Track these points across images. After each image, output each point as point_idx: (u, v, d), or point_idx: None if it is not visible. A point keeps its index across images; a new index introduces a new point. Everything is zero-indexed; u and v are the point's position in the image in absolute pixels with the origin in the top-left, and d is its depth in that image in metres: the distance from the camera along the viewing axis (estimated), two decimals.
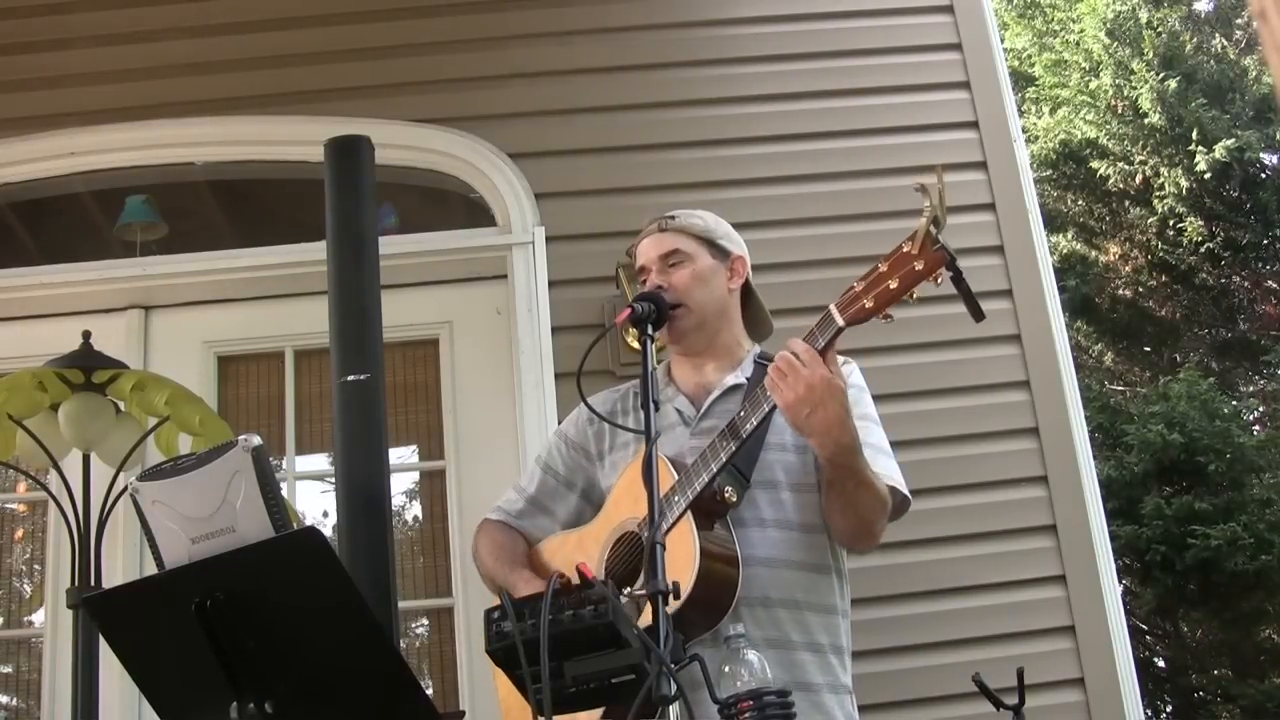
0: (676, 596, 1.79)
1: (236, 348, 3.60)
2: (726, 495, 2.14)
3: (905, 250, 1.94)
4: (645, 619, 1.90)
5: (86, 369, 3.00)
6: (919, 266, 1.93)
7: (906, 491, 2.24)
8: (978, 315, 1.96)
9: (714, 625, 2.09)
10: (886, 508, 2.18)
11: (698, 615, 2.05)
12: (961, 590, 3.23)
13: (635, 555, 2.19)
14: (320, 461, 3.69)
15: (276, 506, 1.71)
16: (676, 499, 2.11)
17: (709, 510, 2.14)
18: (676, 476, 2.14)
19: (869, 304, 1.98)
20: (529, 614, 1.74)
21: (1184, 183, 9.74)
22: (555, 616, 1.71)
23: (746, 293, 2.43)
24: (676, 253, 2.34)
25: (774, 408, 2.08)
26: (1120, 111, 10.18)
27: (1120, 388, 10.51)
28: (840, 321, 2.02)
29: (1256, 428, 9.81)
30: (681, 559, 2.03)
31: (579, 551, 2.28)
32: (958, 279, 1.93)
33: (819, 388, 2.00)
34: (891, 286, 1.95)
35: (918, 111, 3.70)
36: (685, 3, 3.83)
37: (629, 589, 2.12)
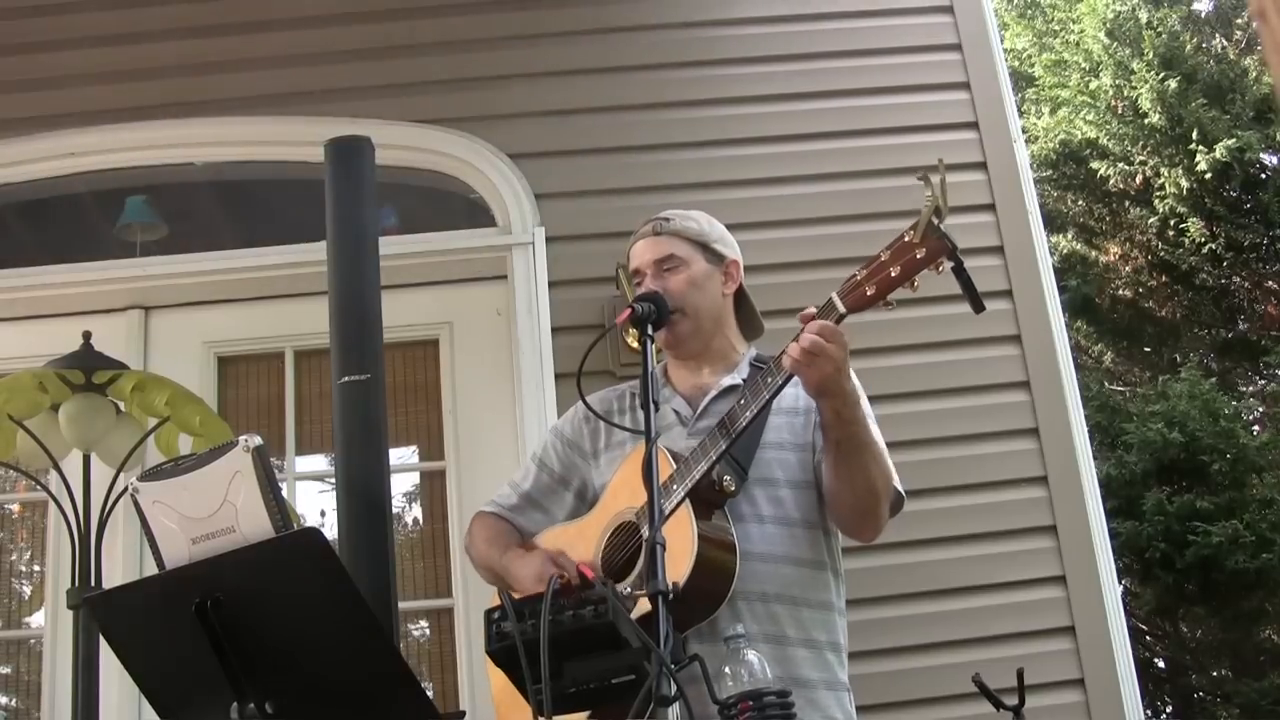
0: (676, 597, 1.79)
1: (236, 348, 3.60)
2: (725, 485, 2.15)
3: (907, 239, 1.96)
4: (642, 607, 1.90)
5: (87, 369, 3.00)
6: (920, 254, 1.94)
7: (901, 489, 2.25)
8: (978, 307, 1.96)
9: (712, 613, 2.09)
10: (890, 480, 2.19)
11: (695, 603, 2.05)
12: (961, 590, 3.23)
13: (632, 544, 2.20)
14: (320, 462, 3.69)
15: (277, 507, 1.71)
16: (675, 487, 2.12)
17: (707, 500, 2.14)
18: (675, 466, 2.15)
19: (870, 291, 2.00)
20: (529, 614, 1.74)
21: (1184, 183, 9.73)
22: (555, 617, 1.71)
23: (740, 294, 2.43)
24: (671, 258, 2.34)
25: (773, 397, 2.10)
26: (1120, 112, 10.18)
27: (1120, 388, 10.51)
28: (841, 308, 2.04)
29: (1256, 428, 9.81)
30: (679, 546, 2.03)
31: (577, 541, 2.29)
32: (959, 269, 1.94)
33: (843, 360, 2.04)
34: (893, 274, 1.97)
35: (918, 112, 3.70)
36: (685, 3, 3.83)
37: (626, 580, 2.13)
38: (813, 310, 2.07)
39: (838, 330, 2.03)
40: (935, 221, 1.92)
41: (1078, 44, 10.63)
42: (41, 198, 3.76)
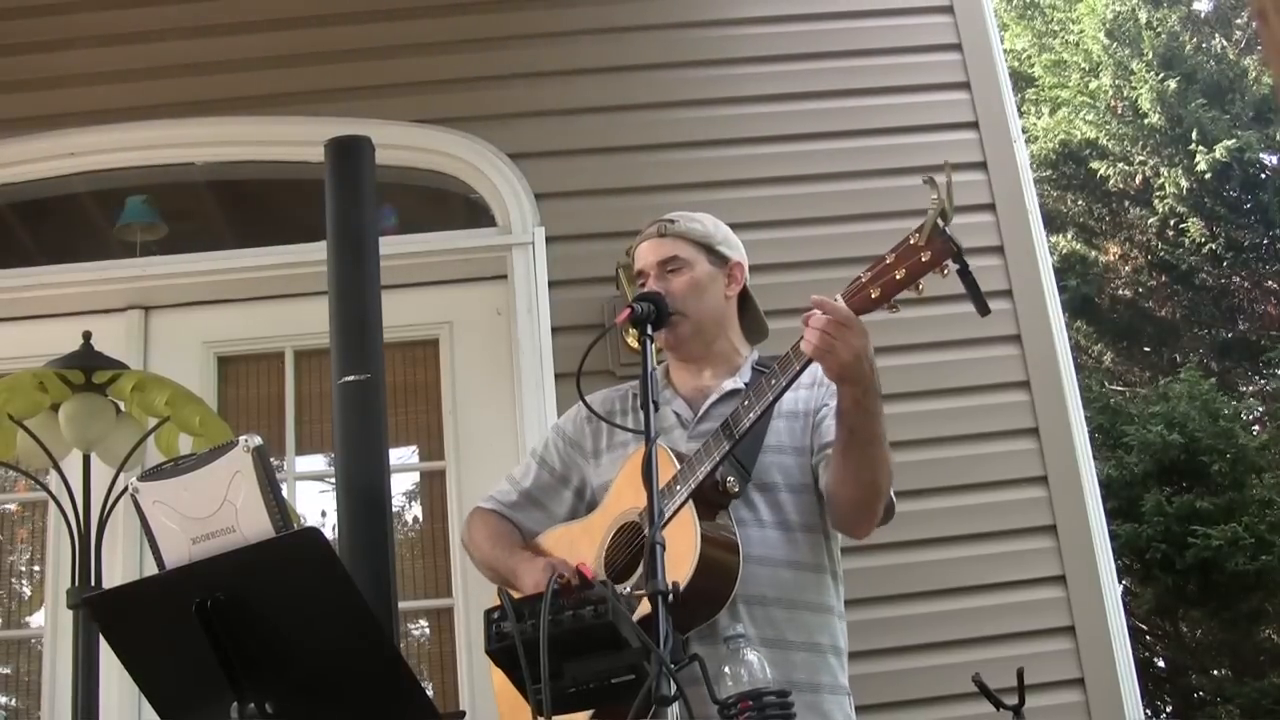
0: (677, 597, 1.79)
1: (236, 348, 3.60)
2: (729, 485, 2.14)
3: (912, 241, 1.95)
4: (644, 608, 1.90)
5: (87, 369, 3.00)
6: (925, 257, 1.93)
7: (893, 497, 2.24)
8: (983, 309, 1.96)
9: (715, 614, 2.09)
10: (890, 480, 2.18)
11: (698, 603, 2.05)
12: (961, 590, 3.23)
13: (635, 545, 2.20)
14: (320, 462, 3.69)
15: (277, 507, 1.71)
16: (678, 488, 2.11)
17: (711, 501, 2.14)
18: (678, 466, 2.15)
19: (875, 293, 1.98)
20: (529, 614, 1.74)
21: (1184, 183, 9.74)
22: (555, 617, 1.71)
23: (744, 297, 2.43)
24: (675, 259, 2.34)
25: (778, 398, 2.09)
26: (1120, 112, 10.19)
27: (1120, 388, 10.51)
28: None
29: (1256, 428, 9.82)
30: (682, 547, 2.03)
31: (581, 541, 2.29)
32: (964, 272, 1.93)
33: (864, 346, 2.00)
34: (898, 277, 1.96)
35: (918, 112, 3.70)
36: (686, 3, 3.83)
37: (629, 581, 2.13)
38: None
39: (850, 313, 1.99)
40: (941, 224, 1.91)
41: (1077, 44, 10.64)
42: (41, 198, 3.76)
